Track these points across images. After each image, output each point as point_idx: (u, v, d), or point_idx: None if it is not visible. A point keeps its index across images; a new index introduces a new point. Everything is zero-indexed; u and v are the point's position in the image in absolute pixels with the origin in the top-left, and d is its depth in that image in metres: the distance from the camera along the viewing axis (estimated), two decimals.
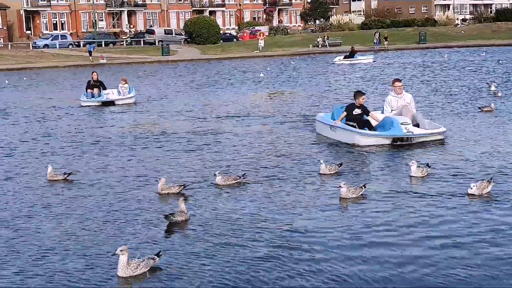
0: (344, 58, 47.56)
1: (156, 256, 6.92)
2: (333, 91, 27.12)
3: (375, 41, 67.67)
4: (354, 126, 13.86)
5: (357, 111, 14.07)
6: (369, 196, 9.54)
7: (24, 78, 41.84)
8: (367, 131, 13.72)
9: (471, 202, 9.11)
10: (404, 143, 13.40)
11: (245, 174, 10.98)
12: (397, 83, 14.84)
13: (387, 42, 67.78)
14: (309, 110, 20.39)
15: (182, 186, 10.22)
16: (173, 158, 13.30)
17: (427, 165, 10.85)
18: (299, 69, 42.75)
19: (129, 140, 15.79)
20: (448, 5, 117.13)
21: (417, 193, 9.68)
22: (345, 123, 14.06)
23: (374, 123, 14.09)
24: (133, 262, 6.73)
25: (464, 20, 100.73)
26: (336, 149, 13.66)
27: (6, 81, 39.35)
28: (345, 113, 14.18)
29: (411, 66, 41.02)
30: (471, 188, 9.28)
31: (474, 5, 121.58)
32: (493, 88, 23.48)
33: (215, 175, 10.72)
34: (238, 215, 8.86)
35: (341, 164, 11.35)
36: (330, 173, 11.00)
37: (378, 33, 69.45)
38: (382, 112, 14.71)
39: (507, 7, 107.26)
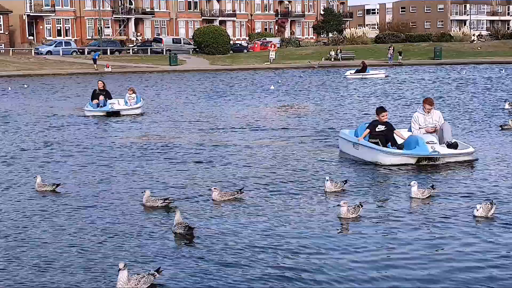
0: (355, 72, 47.13)
1: (156, 272, 6.92)
2: (345, 106, 26.73)
3: (389, 56, 67.06)
4: (377, 144, 13.51)
5: (380, 127, 13.78)
6: (367, 215, 9.51)
7: (26, 86, 41.13)
8: (390, 150, 13.41)
9: (476, 224, 9.08)
10: (430, 163, 13.06)
11: (242, 189, 10.89)
12: (427, 106, 14.08)
13: (401, 57, 67.05)
14: (320, 124, 20.55)
15: (167, 200, 10.19)
16: (172, 171, 13.21)
17: (432, 186, 10.70)
18: (311, 82, 42.14)
19: (129, 152, 15.74)
20: (465, 21, 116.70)
21: (416, 213, 9.73)
22: (369, 141, 13.68)
23: (399, 141, 13.78)
24: (134, 278, 6.75)
25: (480, 36, 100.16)
26: (356, 167, 13.42)
27: (9, 88, 39.57)
28: (368, 130, 13.81)
29: (425, 82, 40.45)
30: (477, 210, 9.23)
31: (491, 21, 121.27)
32: (507, 106, 23.67)
33: (210, 189, 10.78)
34: (234, 232, 8.81)
35: (346, 181, 11.29)
36: (335, 190, 10.97)
37: (392, 48, 68.91)
38: (409, 130, 14.20)
39: None
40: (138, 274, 6.85)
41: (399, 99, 29.39)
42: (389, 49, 68.72)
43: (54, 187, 11.21)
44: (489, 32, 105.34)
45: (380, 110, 14.13)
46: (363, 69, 47.41)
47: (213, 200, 10.47)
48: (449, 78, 43.65)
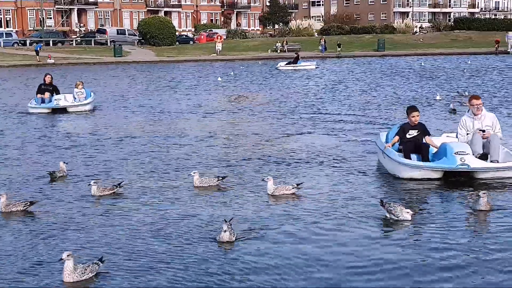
0: (287, 64, 48.21)
1: (99, 262, 6.95)
2: (283, 95, 27.43)
3: (320, 48, 68.14)
4: (409, 152, 11.34)
5: (411, 133, 11.57)
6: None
7: None
8: (409, 161, 11.12)
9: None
10: (461, 178, 10.86)
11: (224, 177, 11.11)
12: (474, 101, 11.58)
13: (340, 49, 67.88)
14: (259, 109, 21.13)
15: (117, 186, 10.37)
16: (130, 160, 13.33)
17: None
18: (252, 73, 42.81)
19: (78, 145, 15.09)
20: (407, 13, 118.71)
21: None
22: (398, 149, 11.59)
23: (434, 149, 11.57)
24: (80, 267, 6.77)
25: (422, 28, 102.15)
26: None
27: None
28: (397, 137, 11.66)
29: (353, 73, 41.50)
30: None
31: (433, 13, 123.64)
32: (438, 97, 24.55)
33: (190, 175, 10.92)
34: (189, 216, 9.07)
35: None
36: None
37: (323, 39, 70.25)
38: (457, 136, 11.82)
39: (465, 16, 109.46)
40: (82, 263, 6.89)
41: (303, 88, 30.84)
42: (320, 41, 69.93)
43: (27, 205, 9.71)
44: (431, 24, 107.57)
45: (411, 109, 11.86)
46: (295, 60, 48.64)
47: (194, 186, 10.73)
48: (384, 68, 44.93)
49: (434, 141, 11.72)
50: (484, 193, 9.03)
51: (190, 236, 8.19)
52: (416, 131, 11.56)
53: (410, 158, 11.20)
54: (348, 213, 9.09)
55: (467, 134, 11.43)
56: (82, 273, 6.72)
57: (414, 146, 11.40)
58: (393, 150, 11.48)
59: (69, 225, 8.80)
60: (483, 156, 11.06)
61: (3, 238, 8.33)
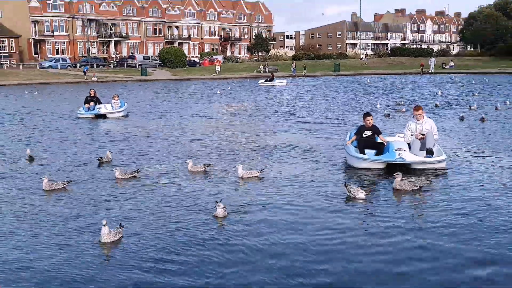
0: (265, 81, 47.90)
1: (121, 226, 6.82)
2: (264, 104, 27.18)
3: (292, 69, 68.11)
4: (363, 148, 11.05)
5: (367, 133, 11.30)
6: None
7: (35, 92, 39.75)
8: (359, 155, 10.76)
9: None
10: (400, 168, 10.29)
11: (211, 165, 10.87)
12: (416, 112, 11.20)
13: (305, 70, 67.68)
14: (253, 116, 20.72)
15: (135, 171, 10.04)
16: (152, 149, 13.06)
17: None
18: (242, 88, 42.71)
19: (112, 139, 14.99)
20: (356, 44, 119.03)
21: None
22: (358, 145, 11.25)
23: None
24: (112, 231, 6.62)
25: (366, 55, 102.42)
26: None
27: (25, 91, 39.07)
28: (355, 136, 11.42)
29: (311, 88, 41.24)
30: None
31: (375, 44, 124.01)
32: (378, 105, 24.37)
33: (186, 162, 10.77)
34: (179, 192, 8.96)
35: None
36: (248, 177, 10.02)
37: (294, 64, 70.20)
38: (404, 136, 11.34)
39: (399, 46, 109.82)
40: (111, 229, 6.66)
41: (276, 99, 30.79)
42: (292, 64, 69.97)
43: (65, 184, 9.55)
44: (373, 52, 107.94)
45: (366, 115, 11.60)
46: (271, 78, 48.49)
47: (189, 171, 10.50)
48: (339, 85, 45.06)
49: (386, 138, 11.42)
50: (398, 174, 8.95)
51: (184, 205, 8.20)
52: (370, 131, 11.26)
53: (364, 153, 10.84)
54: (315, 191, 8.90)
55: (412, 134, 10.98)
56: (115, 235, 6.61)
57: (368, 144, 11.07)
58: (352, 146, 11.15)
59: (102, 198, 8.73)
60: (428, 152, 10.68)
61: (50, 208, 8.26)
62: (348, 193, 8.46)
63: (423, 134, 10.81)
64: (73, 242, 6.67)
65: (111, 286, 5.45)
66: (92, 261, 6.07)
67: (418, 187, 8.83)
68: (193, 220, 7.44)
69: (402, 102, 25.72)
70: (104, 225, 6.56)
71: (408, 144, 10.90)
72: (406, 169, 10.29)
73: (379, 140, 11.28)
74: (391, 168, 10.22)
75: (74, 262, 6.03)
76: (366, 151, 10.96)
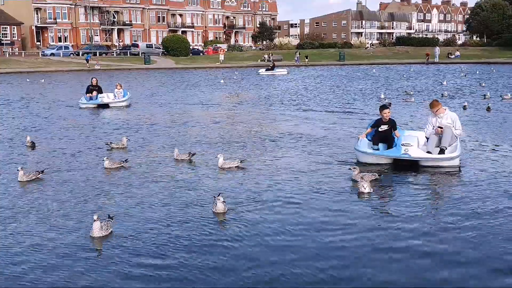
0: (266, 70, 47.71)
1: (110, 218, 6.53)
2: (267, 93, 27.07)
3: (296, 59, 67.77)
4: (376, 141, 10.51)
5: (383, 127, 10.59)
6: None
7: (42, 80, 39.42)
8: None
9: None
10: (407, 164, 9.79)
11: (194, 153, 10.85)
12: (433, 108, 10.52)
13: (307, 59, 67.44)
14: (251, 103, 20.44)
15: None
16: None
17: (191, 155, 10.36)
18: (244, 77, 42.50)
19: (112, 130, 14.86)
20: (361, 33, 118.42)
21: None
22: (373, 138, 10.63)
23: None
24: (104, 224, 6.33)
25: (372, 44, 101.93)
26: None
27: (27, 80, 39.48)
28: (370, 128, 10.81)
29: (314, 78, 40.84)
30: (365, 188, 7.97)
31: (380, 33, 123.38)
32: (382, 96, 23.85)
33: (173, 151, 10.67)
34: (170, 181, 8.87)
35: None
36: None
37: (298, 52, 69.79)
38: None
39: (404, 35, 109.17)
40: (101, 222, 6.36)
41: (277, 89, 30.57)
42: (295, 53, 69.59)
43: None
44: (379, 41, 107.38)
45: (382, 108, 10.84)
46: (272, 68, 48.37)
47: (175, 159, 10.49)
48: (344, 74, 44.72)
49: (412, 133, 11.04)
50: (354, 168, 8.77)
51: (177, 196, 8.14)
52: (387, 126, 10.57)
53: (378, 146, 10.41)
54: (320, 183, 8.70)
55: (433, 128, 10.34)
56: (106, 229, 6.34)
57: (383, 137, 10.48)
58: (365, 140, 10.54)
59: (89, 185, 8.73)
60: (441, 151, 9.96)
61: (41, 196, 8.17)
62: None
63: (441, 128, 10.17)
64: (59, 237, 6.41)
65: (100, 283, 5.19)
66: (83, 257, 5.80)
67: (377, 177, 8.68)
68: (190, 214, 7.20)
69: (412, 92, 25.58)
70: (95, 220, 6.27)
71: (427, 138, 10.45)
72: (415, 166, 9.65)
73: (395, 136, 10.55)
74: (399, 164, 9.74)
75: (63, 259, 5.75)
76: (380, 145, 10.47)
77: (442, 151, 9.93)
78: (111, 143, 11.87)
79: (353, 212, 7.17)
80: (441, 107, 10.44)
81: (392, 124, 10.63)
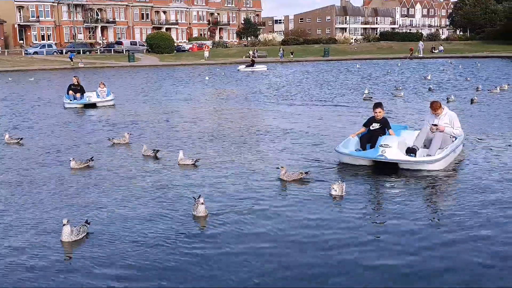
0: (245, 67, 47.76)
1: (87, 223, 6.23)
2: (249, 88, 27.04)
3: (280, 54, 67.94)
4: (365, 142, 10.05)
5: (375, 125, 10.14)
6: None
7: (31, 79, 38.64)
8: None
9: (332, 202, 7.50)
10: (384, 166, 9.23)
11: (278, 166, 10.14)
12: (434, 110, 10.07)
13: (292, 55, 67.45)
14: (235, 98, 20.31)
15: (89, 160, 9.64)
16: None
17: (155, 152, 10.33)
18: (227, 74, 42.25)
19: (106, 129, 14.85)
20: (346, 28, 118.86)
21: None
22: (364, 136, 10.25)
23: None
24: (75, 229, 6.01)
25: (356, 40, 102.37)
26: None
27: (10, 78, 38.67)
28: (363, 128, 10.39)
29: (293, 74, 40.49)
30: (335, 190, 7.61)
31: (364, 29, 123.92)
32: (366, 91, 23.56)
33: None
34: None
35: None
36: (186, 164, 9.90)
37: (281, 48, 69.93)
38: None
39: (388, 30, 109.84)
40: (75, 226, 6.06)
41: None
42: (279, 49, 69.71)
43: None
44: (363, 37, 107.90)
45: (375, 106, 10.34)
46: (251, 64, 48.37)
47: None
48: (328, 69, 44.88)
49: (414, 132, 10.45)
50: (282, 167, 8.52)
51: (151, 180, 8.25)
52: (379, 124, 10.08)
53: (365, 148, 9.89)
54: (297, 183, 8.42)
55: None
56: (77, 234, 6.01)
57: (372, 138, 9.89)
58: (353, 139, 10.15)
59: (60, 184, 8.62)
60: (411, 150, 9.41)
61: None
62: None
63: (436, 125, 9.71)
64: (31, 239, 6.15)
65: (70, 283, 5.02)
66: (51, 262, 5.52)
67: (305, 173, 8.47)
68: (166, 215, 6.95)
69: (400, 87, 25.77)
70: (64, 224, 5.95)
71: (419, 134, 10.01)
72: (395, 168, 9.11)
73: (389, 135, 9.87)
74: (379, 167, 9.19)
75: (30, 263, 5.49)
76: (368, 146, 9.95)
77: (412, 152, 9.37)
78: (113, 138, 11.86)
79: (322, 213, 6.97)
80: (437, 109, 9.99)
81: (384, 124, 10.13)
